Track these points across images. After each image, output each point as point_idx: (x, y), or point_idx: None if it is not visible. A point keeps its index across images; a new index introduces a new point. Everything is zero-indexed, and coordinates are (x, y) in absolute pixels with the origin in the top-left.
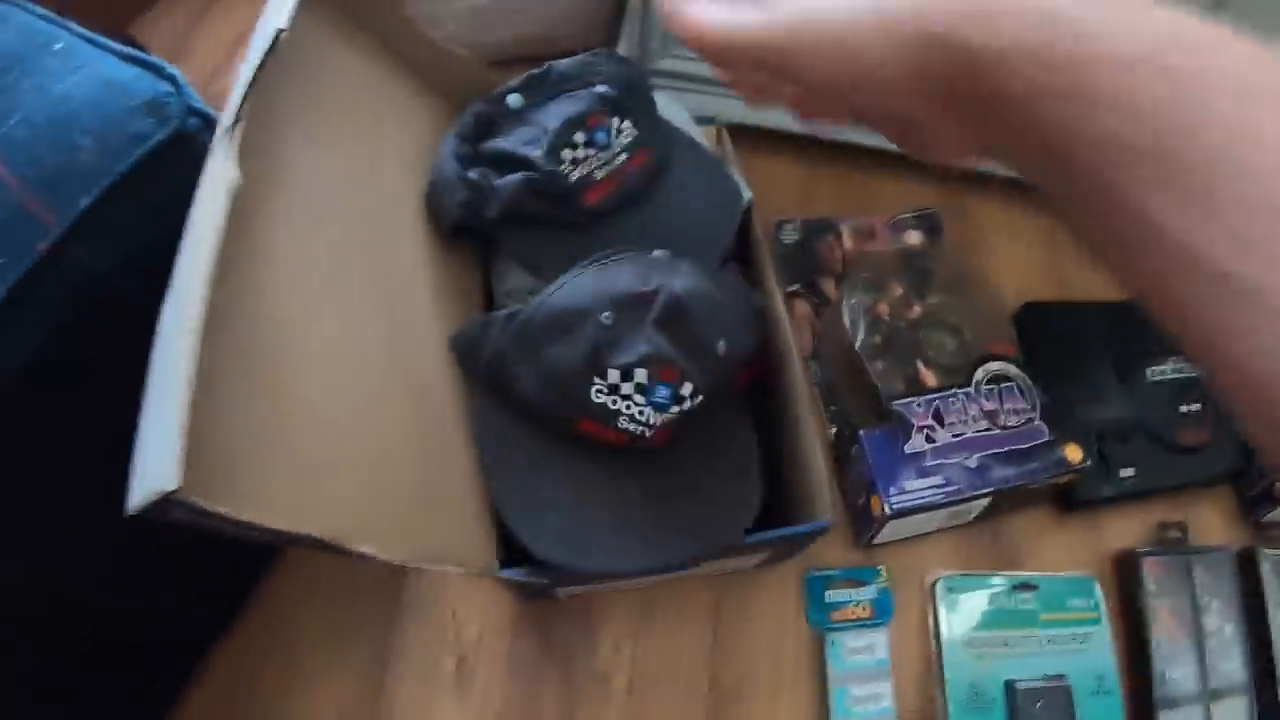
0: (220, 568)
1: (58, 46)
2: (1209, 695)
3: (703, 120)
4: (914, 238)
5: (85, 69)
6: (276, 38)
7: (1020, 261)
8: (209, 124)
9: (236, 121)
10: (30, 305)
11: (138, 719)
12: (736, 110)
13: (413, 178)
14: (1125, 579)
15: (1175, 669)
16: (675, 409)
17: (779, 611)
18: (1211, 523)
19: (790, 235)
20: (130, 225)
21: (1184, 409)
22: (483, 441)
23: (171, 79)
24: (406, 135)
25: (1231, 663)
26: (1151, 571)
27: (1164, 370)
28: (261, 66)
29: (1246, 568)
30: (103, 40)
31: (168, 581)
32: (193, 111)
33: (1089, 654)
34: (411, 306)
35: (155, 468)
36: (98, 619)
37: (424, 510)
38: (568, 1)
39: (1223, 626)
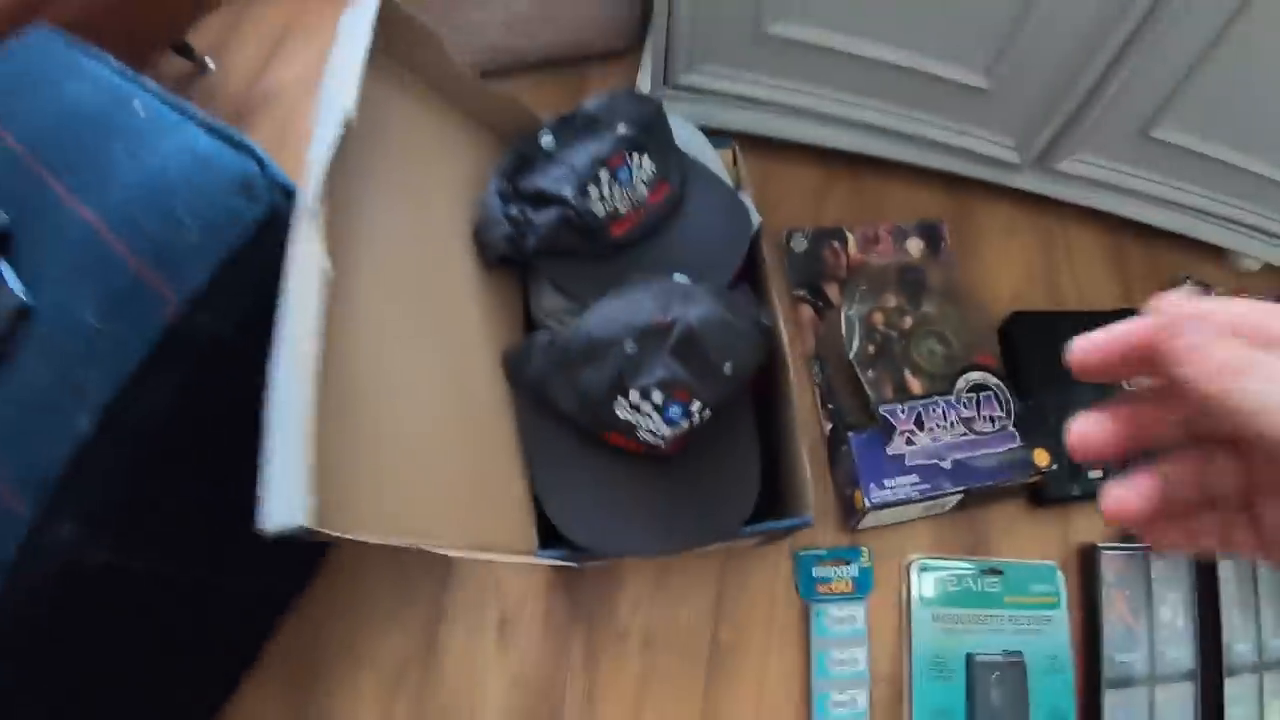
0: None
1: (137, 107)
2: (1155, 679)
3: (719, 133)
4: (915, 246)
5: (172, 138)
6: (347, 124)
7: (1017, 266)
8: (291, 195)
9: (320, 197)
10: (161, 367)
11: (230, 667)
12: (751, 121)
13: (461, 207)
14: (1086, 569)
15: (1125, 653)
16: (685, 423)
17: (772, 583)
18: None
19: (800, 243)
20: (238, 294)
21: None
22: (527, 446)
23: (257, 158)
24: (456, 168)
25: (1181, 651)
26: (1110, 564)
27: (1142, 380)
28: (336, 150)
29: (1205, 568)
30: (178, 102)
31: (260, 559)
32: (279, 188)
33: (1047, 635)
34: (464, 328)
35: (286, 505)
36: (207, 593)
37: (482, 508)
38: (598, 11)
39: (1175, 619)
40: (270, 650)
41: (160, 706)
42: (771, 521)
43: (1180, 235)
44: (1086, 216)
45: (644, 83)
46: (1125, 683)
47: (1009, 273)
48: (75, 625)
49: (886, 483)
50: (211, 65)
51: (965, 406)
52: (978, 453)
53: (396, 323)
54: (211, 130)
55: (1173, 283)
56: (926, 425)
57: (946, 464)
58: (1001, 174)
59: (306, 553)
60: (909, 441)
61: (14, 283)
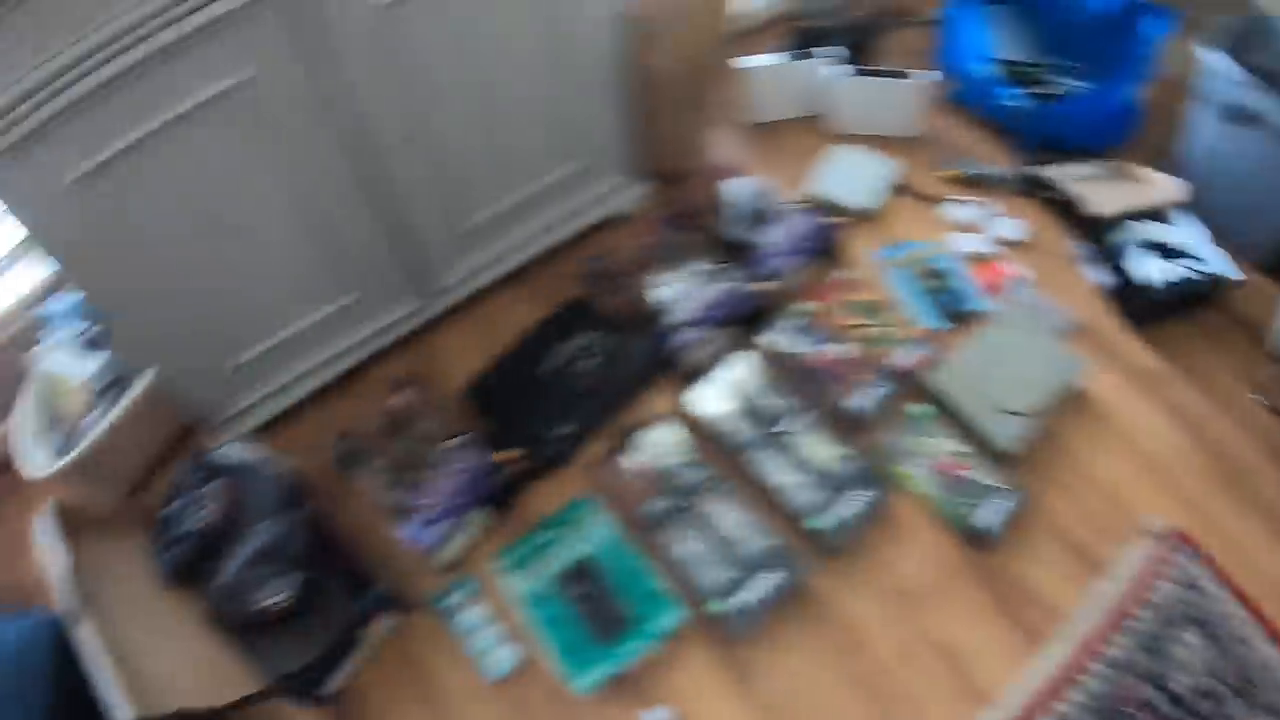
0: None
1: None
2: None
3: (267, 425)
4: (405, 397)
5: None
6: None
7: (473, 354)
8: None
9: None
10: None
11: None
12: (275, 407)
13: None
14: (601, 490)
15: (647, 503)
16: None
17: (433, 631)
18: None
19: (341, 449)
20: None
21: (577, 369)
22: None
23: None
24: None
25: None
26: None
27: (545, 369)
28: None
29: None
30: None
31: None
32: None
33: (597, 537)
34: None
35: None
36: None
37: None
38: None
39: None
40: None
41: None
42: (361, 602)
43: (570, 241)
44: (504, 284)
45: (214, 429)
46: (657, 524)
47: (467, 362)
48: None
49: (423, 535)
50: None
51: (444, 467)
52: (467, 482)
53: None
54: None
55: (580, 271)
56: (431, 493)
57: (455, 500)
58: (422, 315)
59: None
60: (426, 508)
61: None
